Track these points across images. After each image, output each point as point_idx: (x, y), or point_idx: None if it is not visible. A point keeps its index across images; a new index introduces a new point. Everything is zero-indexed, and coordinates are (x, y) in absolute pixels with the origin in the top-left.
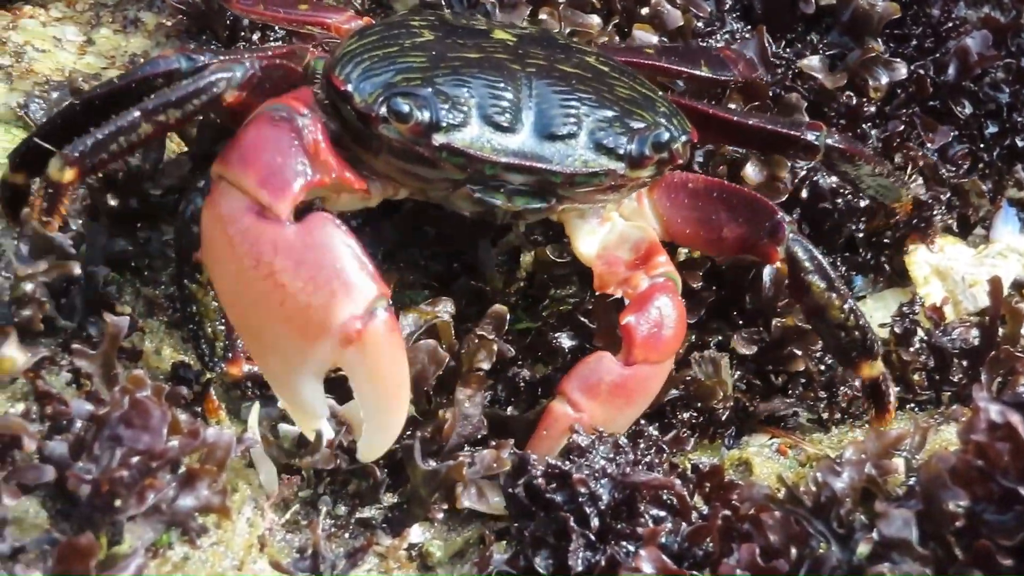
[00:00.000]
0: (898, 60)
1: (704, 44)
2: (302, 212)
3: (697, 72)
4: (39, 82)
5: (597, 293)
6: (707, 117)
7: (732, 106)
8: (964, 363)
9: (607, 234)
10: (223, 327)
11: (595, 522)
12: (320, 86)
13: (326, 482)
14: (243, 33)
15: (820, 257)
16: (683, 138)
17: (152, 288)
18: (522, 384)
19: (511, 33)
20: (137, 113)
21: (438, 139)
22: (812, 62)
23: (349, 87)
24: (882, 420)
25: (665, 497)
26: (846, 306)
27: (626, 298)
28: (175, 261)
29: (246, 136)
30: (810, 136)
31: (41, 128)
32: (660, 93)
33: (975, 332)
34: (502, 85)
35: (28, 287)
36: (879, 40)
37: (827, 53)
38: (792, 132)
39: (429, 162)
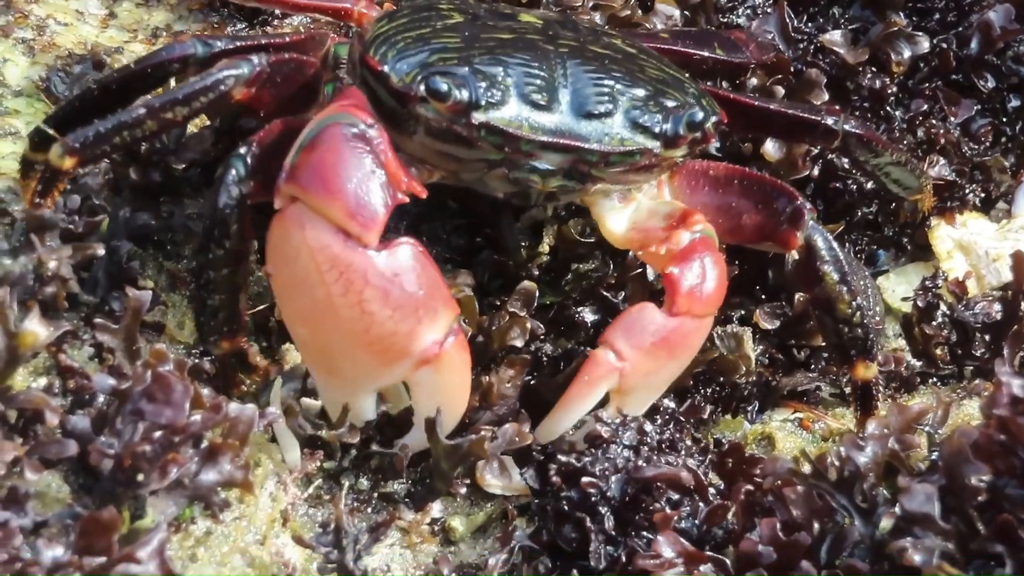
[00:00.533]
0: (920, 34)
1: (714, 28)
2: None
3: (712, 55)
4: (61, 55)
5: (637, 256)
6: (727, 102)
7: (755, 81)
8: (987, 337)
9: (634, 212)
10: (230, 301)
11: (610, 521)
12: (347, 71)
13: (349, 457)
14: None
15: (838, 248)
16: (714, 118)
17: (175, 262)
18: (544, 358)
19: (537, 16)
20: (143, 110)
21: (477, 117)
22: (834, 36)
23: (385, 67)
24: (864, 422)
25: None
26: (855, 302)
27: (667, 255)
28: (205, 224)
29: (322, 157)
30: (829, 121)
31: (60, 109)
32: (687, 75)
33: (998, 306)
34: (537, 65)
35: (52, 264)
36: (901, 14)
37: (849, 28)
38: (812, 117)
39: (466, 141)
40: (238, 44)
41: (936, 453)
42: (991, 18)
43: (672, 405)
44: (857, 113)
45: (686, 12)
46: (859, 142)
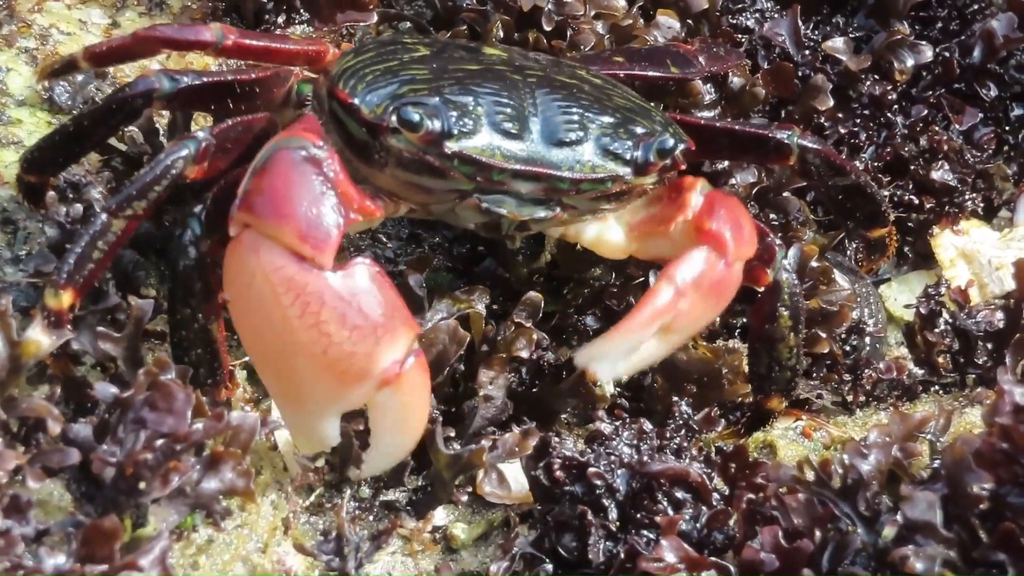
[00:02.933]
0: (923, 43)
1: (664, 44)
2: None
3: (668, 74)
4: None
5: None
6: (683, 125)
7: (737, 80)
8: (989, 346)
9: (617, 222)
10: (209, 354)
11: (613, 513)
12: (312, 107)
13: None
14: (268, 16)
15: (801, 294)
16: (682, 146)
17: None
18: (546, 367)
19: (501, 49)
20: (104, 215)
21: (450, 147)
22: (837, 44)
23: (356, 100)
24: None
25: (690, 480)
26: (796, 349)
27: (693, 218)
28: (169, 287)
29: (272, 182)
30: (782, 136)
31: (40, 143)
32: (652, 103)
33: (1000, 315)
34: (506, 94)
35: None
36: (904, 23)
37: (852, 36)
38: (762, 132)
39: (438, 172)
40: (204, 80)
41: (938, 461)
42: (994, 27)
43: (688, 411)
44: (858, 120)
45: (688, 21)
46: (817, 157)
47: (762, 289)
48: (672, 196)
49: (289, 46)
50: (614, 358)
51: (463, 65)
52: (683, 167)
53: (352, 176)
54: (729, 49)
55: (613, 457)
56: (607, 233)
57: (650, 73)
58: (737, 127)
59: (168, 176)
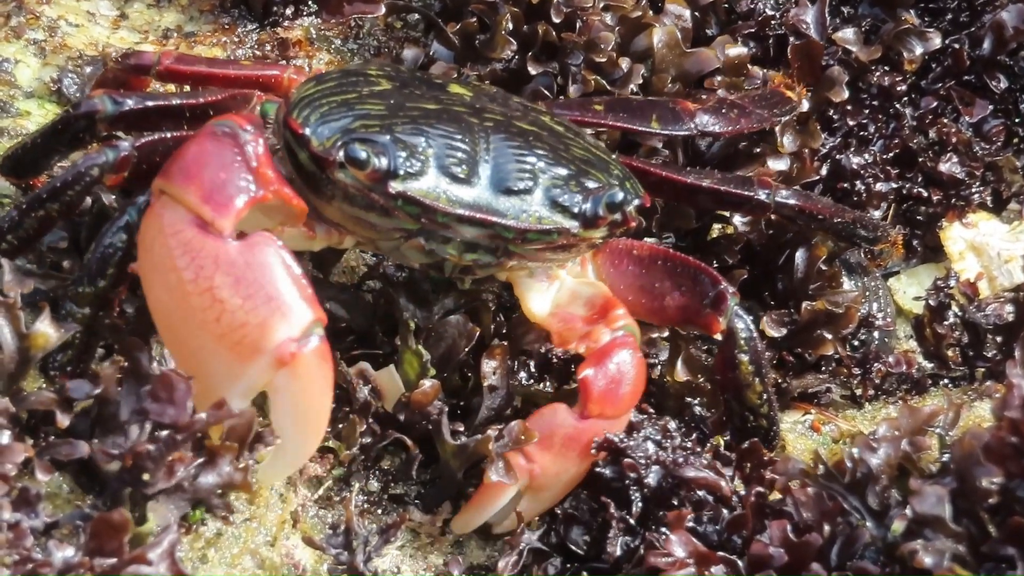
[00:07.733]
0: (931, 30)
1: (662, 99)
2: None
3: (647, 129)
4: (72, 57)
5: (559, 350)
6: (659, 179)
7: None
8: (998, 339)
9: (556, 293)
10: (82, 341)
11: (636, 508)
12: (273, 131)
13: (359, 459)
14: (276, 8)
15: (757, 338)
16: (636, 202)
17: None
18: (555, 360)
19: (467, 88)
20: (15, 213)
21: (394, 187)
22: (846, 34)
23: (307, 131)
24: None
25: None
26: (765, 394)
27: (586, 352)
28: (86, 259)
29: (189, 150)
30: (762, 195)
31: (8, 153)
32: (613, 156)
33: (1009, 308)
34: (459, 137)
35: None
36: (912, 12)
37: (862, 27)
38: (743, 192)
39: (383, 210)
40: (148, 104)
41: (947, 455)
42: (1004, 18)
43: (701, 410)
44: (867, 111)
45: (696, 13)
46: (795, 211)
47: (719, 337)
48: (596, 316)
49: (235, 71)
50: (488, 521)
51: (421, 103)
52: (634, 224)
53: (299, 193)
54: (751, 112)
55: (649, 453)
56: (536, 298)
57: (625, 125)
58: (722, 188)
59: (83, 182)
